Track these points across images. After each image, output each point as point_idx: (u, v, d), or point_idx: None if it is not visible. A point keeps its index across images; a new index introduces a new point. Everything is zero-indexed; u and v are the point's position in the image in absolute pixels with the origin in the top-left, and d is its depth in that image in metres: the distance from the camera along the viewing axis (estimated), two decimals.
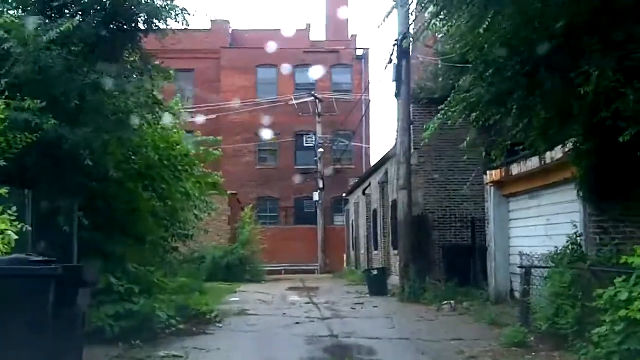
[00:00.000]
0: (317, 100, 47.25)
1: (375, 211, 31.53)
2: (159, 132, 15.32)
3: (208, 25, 52.18)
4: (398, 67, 20.88)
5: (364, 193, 33.67)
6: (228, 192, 29.97)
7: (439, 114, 13.64)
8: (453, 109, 12.67)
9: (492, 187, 19.02)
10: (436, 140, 22.89)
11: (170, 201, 21.02)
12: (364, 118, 47.28)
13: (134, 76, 12.65)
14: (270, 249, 37.99)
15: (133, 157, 14.11)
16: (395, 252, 26.12)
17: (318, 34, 57.57)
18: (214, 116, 46.95)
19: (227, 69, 50.12)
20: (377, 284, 23.65)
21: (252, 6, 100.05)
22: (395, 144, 21.96)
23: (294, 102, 47.37)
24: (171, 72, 13.99)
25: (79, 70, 11.08)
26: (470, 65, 12.42)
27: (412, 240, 21.10)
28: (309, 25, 55.19)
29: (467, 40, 11.69)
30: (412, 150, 21.68)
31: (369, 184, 33.18)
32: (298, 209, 49.86)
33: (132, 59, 12.91)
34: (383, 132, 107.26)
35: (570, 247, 12.47)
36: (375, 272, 24.19)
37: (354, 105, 43.46)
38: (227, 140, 49.31)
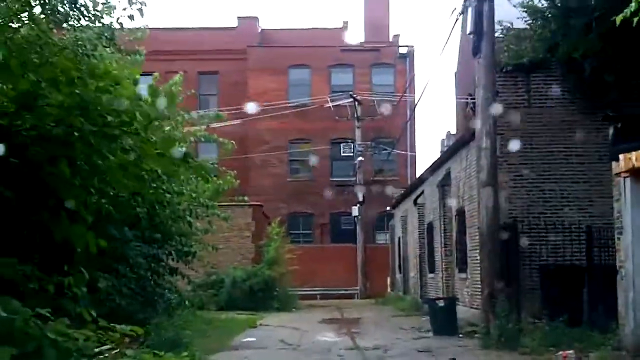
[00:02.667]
0: (355, 103, 40.73)
1: (431, 225, 24.81)
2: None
3: (234, 23, 46.28)
4: (478, 12, 14.26)
5: (415, 203, 26.97)
6: (247, 200, 23.33)
7: None
8: None
9: (627, 179, 12.22)
10: (524, 122, 16.35)
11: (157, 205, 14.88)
12: (408, 123, 40.67)
13: None
14: (303, 270, 31.69)
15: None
16: (463, 275, 19.45)
17: (356, 36, 51.35)
18: (238, 121, 40.87)
19: (255, 70, 43.89)
20: (444, 320, 16.96)
21: (283, 7, 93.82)
22: (475, 122, 15.26)
23: (330, 104, 40.90)
24: None
25: None
26: None
27: (500, 259, 14.36)
28: (346, 24, 48.82)
29: None
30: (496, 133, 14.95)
31: (422, 192, 26.49)
32: (335, 226, 43.23)
33: None
34: (430, 140, 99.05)
35: None
36: (442, 303, 17.42)
37: (396, 109, 36.96)
38: (255, 150, 43.28)
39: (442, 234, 21.76)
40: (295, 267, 29.76)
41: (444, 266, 21.67)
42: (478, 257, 17.98)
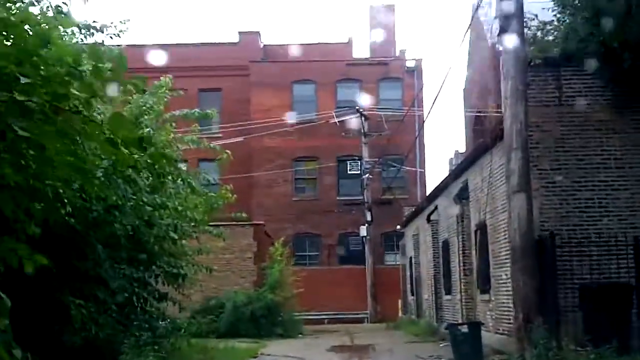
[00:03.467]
0: (363, 118, 38.75)
1: (446, 242, 22.72)
2: None
3: (236, 38, 44.50)
4: None
5: (428, 220, 24.87)
6: (246, 217, 21.24)
7: None
8: None
9: None
10: (554, 122, 14.35)
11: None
12: (417, 139, 38.64)
13: None
14: (309, 294, 29.60)
15: None
16: (486, 297, 17.38)
17: (361, 51, 49.56)
18: (241, 139, 38.99)
19: (257, 85, 41.98)
20: (468, 348, 14.80)
21: (285, 24, 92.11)
22: (502, 121, 13.19)
23: (336, 119, 38.95)
24: None
25: None
26: None
27: (536, 277, 12.24)
28: (351, 40, 46.97)
29: None
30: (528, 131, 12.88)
31: (435, 208, 24.41)
32: (342, 247, 41.06)
33: None
34: (439, 159, 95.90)
35: None
36: (465, 329, 15.25)
37: (405, 125, 34.88)
38: (259, 168, 41.34)
39: (461, 252, 19.66)
40: (301, 290, 27.64)
41: (462, 287, 19.54)
42: (503, 277, 15.93)
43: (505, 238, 15.59)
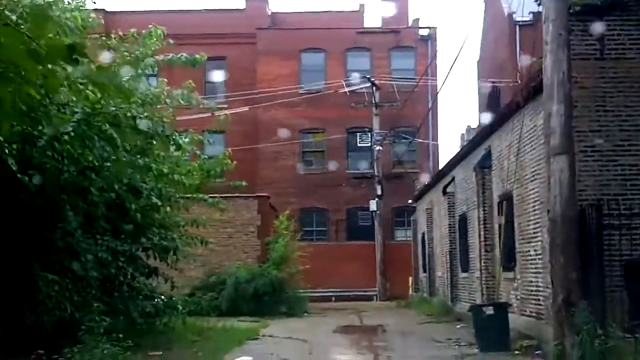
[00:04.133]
0: (374, 87, 36.84)
1: (464, 216, 20.96)
2: None
3: (242, 5, 42.52)
4: None
5: (444, 192, 23.06)
6: (246, 186, 19.43)
7: None
8: None
9: None
10: (595, 78, 12.55)
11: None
12: (430, 111, 36.69)
13: None
14: (317, 270, 28.05)
15: None
16: (510, 275, 15.68)
17: (373, 20, 47.58)
18: (246, 108, 37.26)
19: (264, 54, 40.06)
20: (494, 332, 13.09)
21: None
22: (542, 70, 11.30)
23: (346, 88, 37.08)
24: None
25: None
26: None
27: (579, 253, 10.46)
28: (362, 7, 44.92)
29: None
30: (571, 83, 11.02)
31: (452, 180, 22.62)
32: (351, 222, 39.28)
33: None
34: (451, 134, 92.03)
35: None
36: (490, 310, 13.49)
37: (417, 96, 33.07)
38: (265, 140, 39.53)
39: (482, 226, 17.86)
40: (307, 267, 25.90)
41: (482, 264, 17.77)
42: (531, 253, 14.21)
43: (535, 210, 13.83)
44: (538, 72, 12.27)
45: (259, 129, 39.68)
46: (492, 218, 17.51)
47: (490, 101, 37.33)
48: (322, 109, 38.92)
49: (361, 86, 36.84)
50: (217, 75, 40.30)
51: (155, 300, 15.43)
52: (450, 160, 22.81)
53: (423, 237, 29.61)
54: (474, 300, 19.94)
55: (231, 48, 40.66)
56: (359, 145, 39.49)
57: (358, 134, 39.34)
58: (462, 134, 39.79)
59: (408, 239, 36.36)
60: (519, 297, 15.38)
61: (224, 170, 15.99)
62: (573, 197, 10.56)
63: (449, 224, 22.73)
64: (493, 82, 36.22)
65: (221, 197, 17.50)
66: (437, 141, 39.75)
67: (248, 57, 40.18)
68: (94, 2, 12.53)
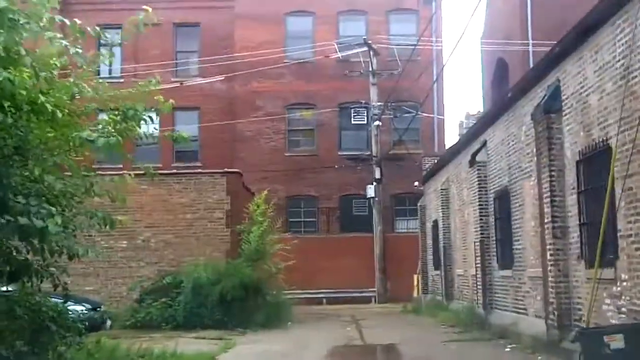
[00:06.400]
0: (371, 53, 30.72)
1: (505, 191, 14.87)
2: None
3: None
4: None
5: (472, 162, 16.88)
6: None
7: None
8: None
9: None
10: None
11: None
12: (436, 82, 30.52)
13: None
14: (304, 268, 22.57)
15: None
16: (610, 274, 9.51)
17: None
18: (221, 77, 31.24)
19: (243, 18, 33.89)
20: None
21: None
22: None
23: (339, 54, 30.97)
24: None
25: None
26: None
27: None
28: None
29: None
30: None
31: (484, 145, 16.48)
32: (345, 211, 33.13)
33: None
34: (461, 105, 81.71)
35: None
36: (618, 342, 7.27)
37: (420, 66, 27.37)
38: (244, 117, 33.38)
39: (547, 200, 11.67)
40: (292, 263, 19.71)
41: (549, 258, 11.58)
42: None
43: None
44: None
45: (236, 104, 33.54)
46: (563, 188, 11.36)
47: (496, 77, 31.65)
48: (310, 81, 33.27)
49: (357, 50, 30.68)
50: (190, 44, 34.31)
51: (43, 315, 9.38)
52: (481, 118, 16.67)
53: (435, 226, 23.49)
54: (521, 308, 13.90)
55: (205, 12, 34.65)
56: (353, 122, 33.42)
57: (352, 109, 33.16)
58: (461, 122, 33.97)
59: (411, 230, 30.29)
60: (622, 309, 9.29)
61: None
62: None
63: (480, 205, 16.56)
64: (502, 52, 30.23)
65: (177, 173, 11.41)
66: (443, 115, 33.63)
67: (225, 23, 34.08)
68: None
